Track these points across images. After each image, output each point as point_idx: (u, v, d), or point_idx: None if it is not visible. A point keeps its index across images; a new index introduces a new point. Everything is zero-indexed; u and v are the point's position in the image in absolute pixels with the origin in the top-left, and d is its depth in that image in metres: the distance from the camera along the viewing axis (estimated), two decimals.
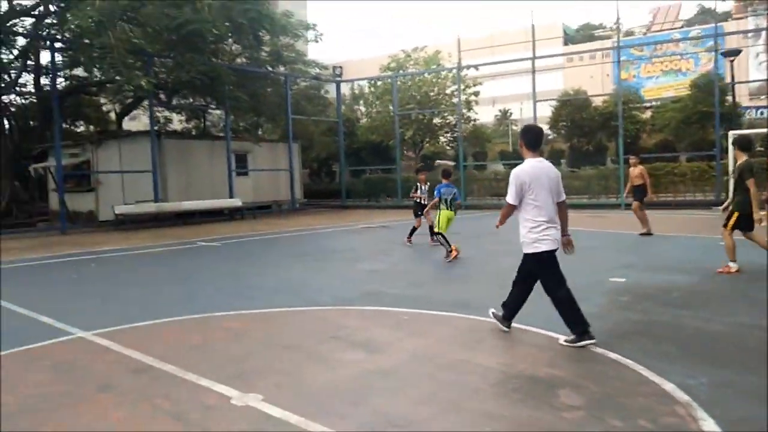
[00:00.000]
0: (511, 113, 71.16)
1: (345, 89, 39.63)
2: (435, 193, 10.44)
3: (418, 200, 12.42)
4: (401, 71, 30.64)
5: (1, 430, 3.49)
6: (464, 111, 31.49)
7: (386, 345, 5.01)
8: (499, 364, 4.48)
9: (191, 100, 24.45)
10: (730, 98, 26.22)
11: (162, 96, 23.51)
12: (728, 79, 24.44)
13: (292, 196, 24.72)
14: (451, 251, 9.81)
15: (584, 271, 8.51)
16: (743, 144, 7.96)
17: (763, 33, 60.70)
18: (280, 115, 24.53)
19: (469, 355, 4.71)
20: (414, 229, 12.21)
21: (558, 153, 33.22)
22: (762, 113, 34.47)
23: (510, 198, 5.01)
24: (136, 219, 18.88)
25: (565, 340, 4.88)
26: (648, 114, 30.75)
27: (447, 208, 10.24)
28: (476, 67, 27.68)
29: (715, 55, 24.16)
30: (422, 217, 12.07)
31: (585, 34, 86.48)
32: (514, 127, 62.68)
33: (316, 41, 27.31)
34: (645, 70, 64.45)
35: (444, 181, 10.47)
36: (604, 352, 4.66)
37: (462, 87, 28.79)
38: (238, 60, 23.68)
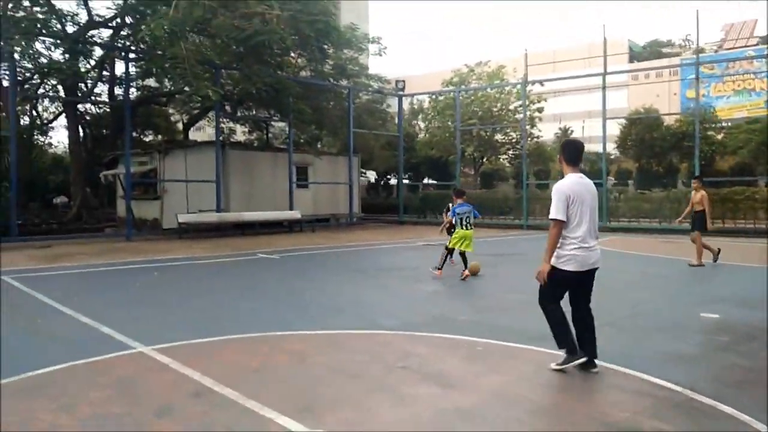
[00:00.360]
0: (572, 131, 69.62)
1: (405, 104, 39.72)
2: (450, 214, 10.66)
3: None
4: (464, 86, 30.23)
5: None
6: (527, 127, 30.77)
7: (462, 380, 4.58)
8: (594, 412, 3.97)
9: (255, 111, 24.76)
10: None
11: (227, 107, 23.92)
12: None
13: (350, 209, 24.59)
14: (440, 269, 10.12)
15: (669, 304, 7.84)
16: None
17: None
18: (341, 128, 24.52)
19: (557, 399, 4.22)
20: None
21: (625, 173, 31.95)
22: None
23: (556, 213, 4.59)
24: (198, 228, 19.10)
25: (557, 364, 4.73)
26: (720, 135, 29.22)
27: (462, 228, 10.19)
28: (541, 82, 26.96)
29: None
30: None
31: (652, 50, 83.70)
32: None
33: (380, 55, 27.31)
34: (715, 90, 61.89)
35: (458, 201, 10.51)
36: (714, 404, 4.07)
37: (526, 103, 28.17)
38: (303, 73, 23.83)
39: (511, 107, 29.86)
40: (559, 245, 4.61)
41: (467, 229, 10.16)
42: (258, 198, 22.02)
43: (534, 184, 29.39)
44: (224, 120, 26.04)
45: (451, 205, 11.98)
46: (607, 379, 4.62)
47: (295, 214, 21.81)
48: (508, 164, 32.32)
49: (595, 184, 4.91)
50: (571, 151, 4.83)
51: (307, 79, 22.99)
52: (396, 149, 28.35)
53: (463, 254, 10.24)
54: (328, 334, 6.10)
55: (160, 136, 31.03)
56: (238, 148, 22.65)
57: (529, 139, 31.17)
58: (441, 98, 31.30)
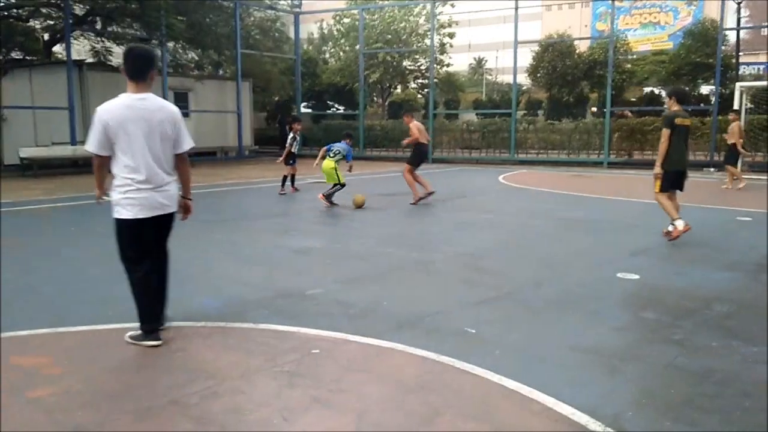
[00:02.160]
0: (486, 61, 68.79)
1: (315, 29, 36.46)
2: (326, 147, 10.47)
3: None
4: (369, 3, 27.60)
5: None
6: (437, 54, 28.83)
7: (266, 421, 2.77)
8: None
9: (121, 27, 21.14)
10: (725, 48, 24.19)
11: (98, 23, 20.22)
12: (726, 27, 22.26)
13: (239, 142, 21.98)
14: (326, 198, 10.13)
15: (580, 259, 6.41)
16: (680, 95, 7.55)
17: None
18: (229, 48, 21.51)
19: None
20: (286, 178, 12.12)
21: (536, 104, 31.02)
22: (758, 69, 32.56)
23: (90, 145, 3.64)
24: (48, 164, 16.10)
25: (130, 336, 3.80)
26: (629, 66, 28.64)
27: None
28: (452, 3, 24.90)
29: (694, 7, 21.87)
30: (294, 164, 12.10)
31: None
32: (489, 77, 60.44)
33: None
34: (623, 22, 63.15)
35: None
36: None
37: (436, 26, 26.06)
38: None
39: (420, 32, 27.70)
40: (116, 190, 3.66)
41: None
42: None
43: (442, 115, 27.83)
44: (92, 37, 22.21)
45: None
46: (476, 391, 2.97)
47: None
48: (419, 94, 30.43)
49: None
50: (130, 61, 3.69)
51: None
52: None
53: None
54: (97, 331, 4.10)
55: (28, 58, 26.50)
56: (99, 69, 19.25)
57: (439, 67, 29.34)
58: (347, 21, 28.60)
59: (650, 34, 64.90)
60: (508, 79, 33.20)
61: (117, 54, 27.40)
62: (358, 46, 26.47)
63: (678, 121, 6.98)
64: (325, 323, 4.20)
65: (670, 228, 7.13)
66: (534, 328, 4.22)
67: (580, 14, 59.31)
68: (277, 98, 30.77)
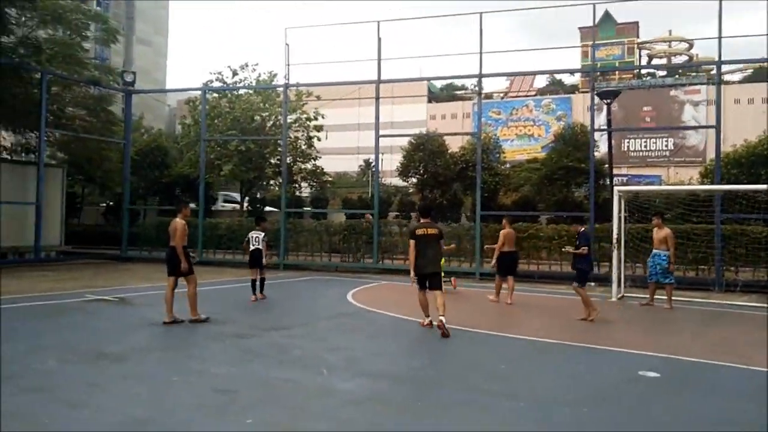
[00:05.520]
0: (373, 164, 68.86)
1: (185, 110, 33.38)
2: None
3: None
4: (215, 84, 24.91)
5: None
6: (303, 146, 26.36)
7: None
8: None
9: None
10: (597, 155, 23.49)
11: None
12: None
13: (36, 241, 17.30)
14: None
15: None
16: (423, 210, 9.08)
17: (604, 107, 63.53)
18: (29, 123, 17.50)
19: None
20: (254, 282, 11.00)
21: (409, 205, 28.95)
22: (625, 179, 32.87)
23: None
24: None
25: None
26: (505, 168, 27.73)
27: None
28: (309, 90, 22.76)
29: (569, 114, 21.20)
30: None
31: (448, 94, 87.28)
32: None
33: (111, 43, 21.08)
34: (501, 133, 66.66)
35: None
36: None
37: (301, 116, 23.81)
38: None
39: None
40: None
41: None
42: None
43: (309, 214, 24.92)
44: None
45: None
46: None
47: None
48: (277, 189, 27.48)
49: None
50: None
51: None
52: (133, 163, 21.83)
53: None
54: None
55: None
56: None
57: (303, 159, 26.79)
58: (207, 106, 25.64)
59: (526, 145, 68.30)
60: (395, 181, 31.76)
61: None
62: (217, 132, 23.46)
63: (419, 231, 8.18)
64: None
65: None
66: None
67: (462, 125, 61.69)
68: (120, 190, 26.57)
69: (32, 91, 17.50)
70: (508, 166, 29.55)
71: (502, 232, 11.52)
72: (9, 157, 19.51)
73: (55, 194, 18.76)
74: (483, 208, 17.52)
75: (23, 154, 20.42)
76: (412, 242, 8.08)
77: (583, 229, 9.94)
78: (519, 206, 23.90)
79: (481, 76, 17.17)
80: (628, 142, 49.65)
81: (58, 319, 8.69)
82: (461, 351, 7.23)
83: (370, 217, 18.81)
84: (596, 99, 19.30)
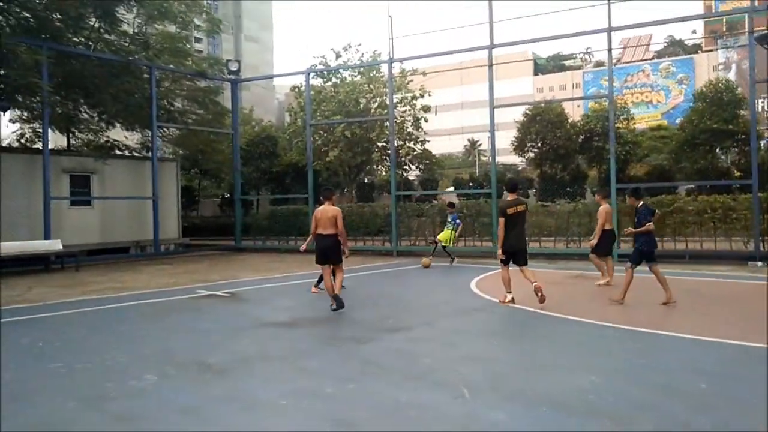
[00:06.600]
0: (480, 143, 67.57)
1: (283, 98, 33.40)
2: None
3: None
4: (318, 68, 24.20)
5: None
6: (410, 128, 25.19)
7: None
8: None
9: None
10: (743, 113, 20.37)
11: None
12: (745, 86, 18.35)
13: (155, 235, 17.53)
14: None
15: None
16: (510, 186, 8.87)
17: (733, 65, 56.59)
18: (142, 119, 17.70)
19: None
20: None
21: (526, 183, 27.00)
22: None
23: None
24: None
25: None
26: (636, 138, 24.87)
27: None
28: (414, 68, 21.44)
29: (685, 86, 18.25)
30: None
31: (556, 64, 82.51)
32: (483, 158, 58.63)
33: (214, 33, 20.97)
34: (616, 101, 62.01)
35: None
36: None
37: (404, 93, 22.56)
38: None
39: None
40: None
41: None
42: (7, 220, 14.85)
43: (416, 197, 23.78)
44: None
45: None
46: None
47: (54, 245, 14.73)
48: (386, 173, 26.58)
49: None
50: None
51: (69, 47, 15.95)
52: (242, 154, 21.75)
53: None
54: None
55: None
56: None
57: (413, 143, 25.57)
58: (312, 92, 25.21)
59: (643, 112, 62.81)
60: (503, 159, 29.84)
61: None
62: (319, 118, 22.89)
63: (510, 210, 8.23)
64: None
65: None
66: None
67: (572, 95, 58.01)
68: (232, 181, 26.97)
69: (143, 86, 17.66)
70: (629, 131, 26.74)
71: (601, 208, 10.39)
72: (124, 153, 19.92)
73: (170, 188, 19.00)
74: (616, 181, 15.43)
75: (144, 152, 20.93)
76: (502, 220, 8.19)
77: (641, 203, 8.43)
78: (653, 177, 21.30)
79: (610, 30, 14.99)
80: None
81: (166, 320, 8.13)
82: (641, 359, 5.69)
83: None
84: (721, 57, 16.36)
